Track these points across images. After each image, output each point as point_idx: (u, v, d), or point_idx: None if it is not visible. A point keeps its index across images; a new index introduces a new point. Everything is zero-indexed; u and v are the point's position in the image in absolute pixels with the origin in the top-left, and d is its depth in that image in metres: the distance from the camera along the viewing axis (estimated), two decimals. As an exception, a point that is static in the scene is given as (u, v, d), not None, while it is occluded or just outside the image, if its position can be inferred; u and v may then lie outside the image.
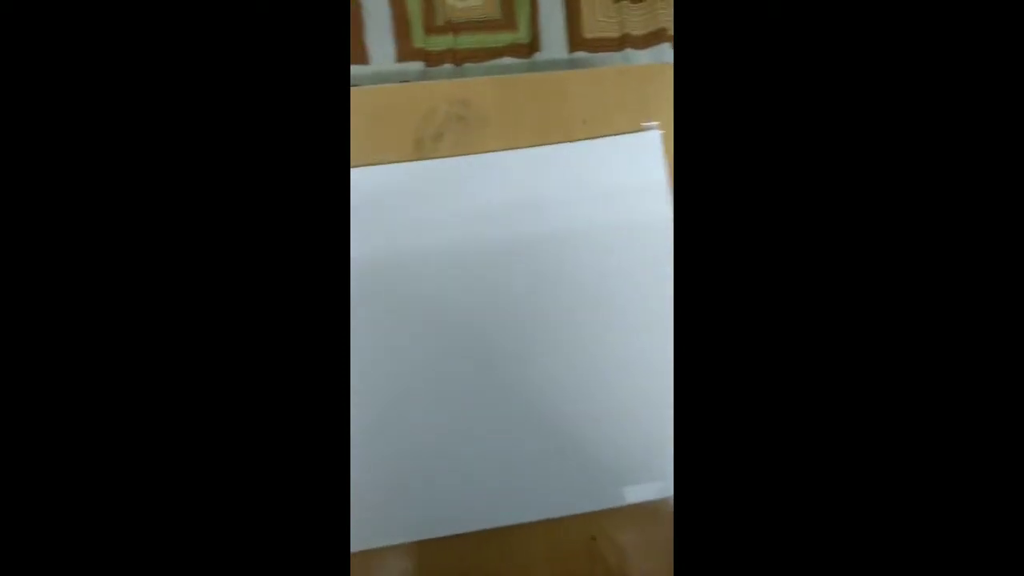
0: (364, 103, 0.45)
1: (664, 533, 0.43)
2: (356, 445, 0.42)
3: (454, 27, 0.51)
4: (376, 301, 0.43)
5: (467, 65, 0.51)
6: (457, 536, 0.42)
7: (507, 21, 0.51)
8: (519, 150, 0.44)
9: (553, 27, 0.51)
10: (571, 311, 0.43)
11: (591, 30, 0.52)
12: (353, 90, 0.47)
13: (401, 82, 0.50)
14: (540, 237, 0.44)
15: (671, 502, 0.43)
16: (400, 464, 0.42)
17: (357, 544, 0.41)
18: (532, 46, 0.51)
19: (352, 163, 0.45)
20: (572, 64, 0.52)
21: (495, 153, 0.45)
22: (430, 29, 0.51)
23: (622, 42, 0.52)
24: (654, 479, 0.43)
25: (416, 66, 0.51)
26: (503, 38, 0.51)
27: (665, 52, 0.52)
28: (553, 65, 0.51)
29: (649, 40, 0.52)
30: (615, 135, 0.44)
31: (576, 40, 0.52)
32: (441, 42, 0.51)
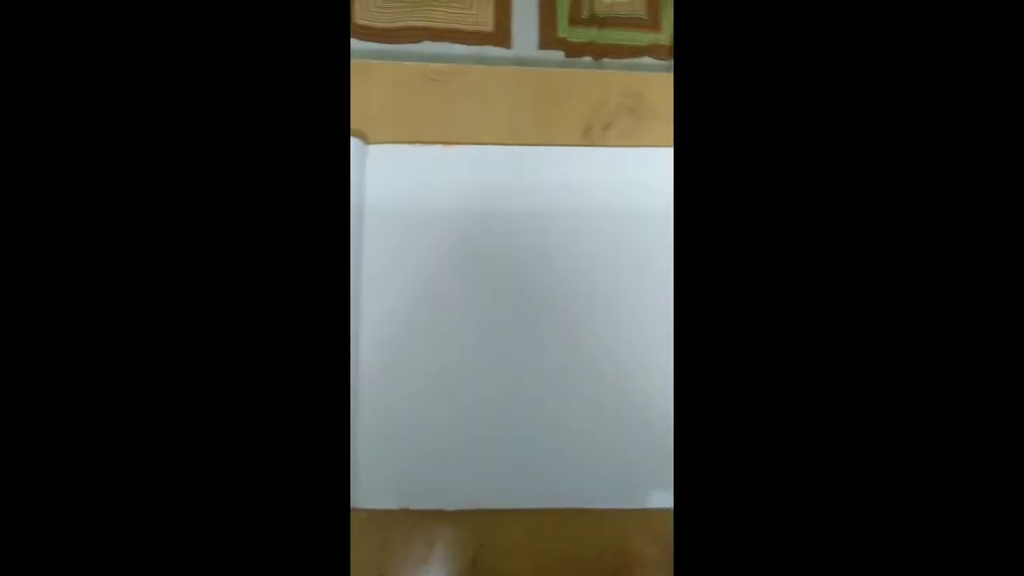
0: (539, 83, 0.47)
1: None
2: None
3: (599, 21, 0.53)
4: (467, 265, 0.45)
5: (605, 60, 0.54)
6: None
7: (652, 21, 0.53)
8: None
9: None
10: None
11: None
12: (529, 71, 0.49)
13: (539, 67, 0.52)
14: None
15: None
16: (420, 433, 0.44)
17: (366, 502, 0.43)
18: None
19: (517, 140, 0.47)
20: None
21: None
22: (575, 20, 0.53)
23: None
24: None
25: (556, 55, 0.53)
26: (646, 37, 0.53)
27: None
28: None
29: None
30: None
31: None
32: (584, 35, 0.53)
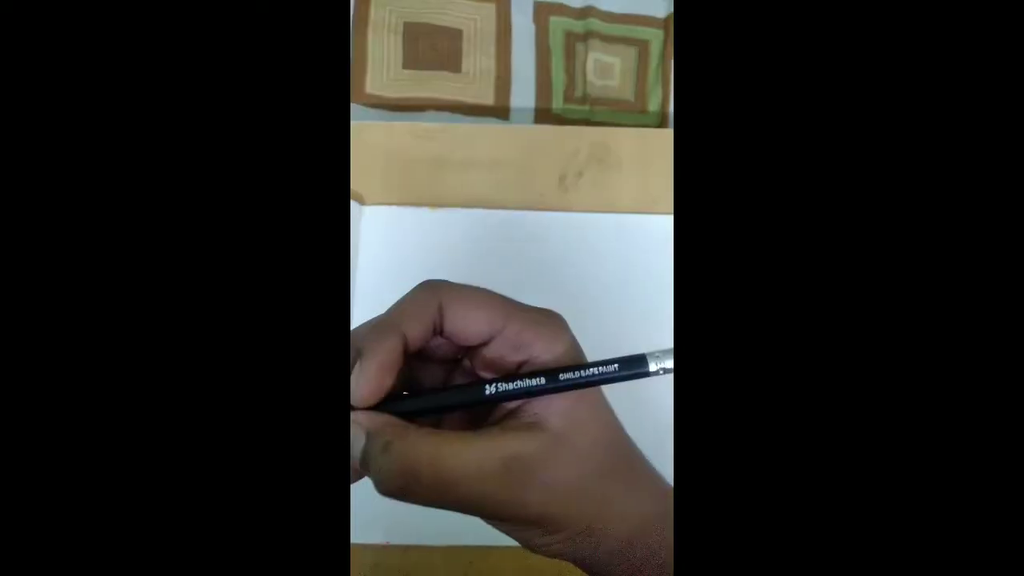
0: (518, 137, 0.52)
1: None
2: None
3: (591, 100, 0.57)
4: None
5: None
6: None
7: (639, 103, 0.57)
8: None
9: (679, 115, 0.58)
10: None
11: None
12: (513, 127, 0.53)
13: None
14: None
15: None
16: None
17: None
18: (660, 128, 0.57)
19: (499, 198, 0.50)
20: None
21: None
22: (569, 98, 0.57)
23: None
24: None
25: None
26: (632, 117, 0.57)
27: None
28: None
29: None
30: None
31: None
32: (576, 111, 0.57)
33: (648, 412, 0.44)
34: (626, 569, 0.22)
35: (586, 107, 0.57)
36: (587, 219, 0.49)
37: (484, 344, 0.23)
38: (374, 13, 0.57)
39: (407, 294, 0.23)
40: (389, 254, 0.49)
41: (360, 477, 0.23)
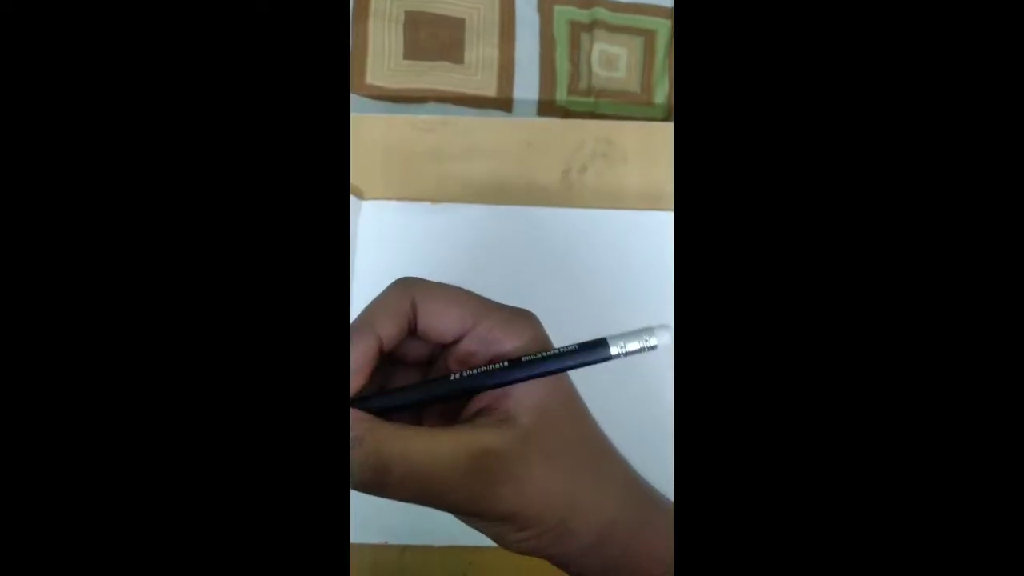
0: (521, 131, 0.50)
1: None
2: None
3: (596, 92, 0.56)
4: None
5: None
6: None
7: (645, 95, 0.56)
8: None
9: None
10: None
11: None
12: (516, 120, 0.52)
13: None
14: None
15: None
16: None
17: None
18: (666, 121, 0.56)
19: (501, 193, 0.49)
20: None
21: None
22: (573, 90, 0.56)
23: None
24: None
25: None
26: (638, 110, 0.56)
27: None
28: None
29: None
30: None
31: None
32: (581, 104, 0.56)
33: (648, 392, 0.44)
34: (599, 565, 0.23)
35: (591, 99, 0.56)
36: (591, 215, 0.48)
37: (456, 342, 0.23)
38: (375, 2, 0.56)
39: (381, 293, 0.23)
40: (388, 250, 0.48)
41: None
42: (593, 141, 0.50)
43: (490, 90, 0.56)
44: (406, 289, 0.23)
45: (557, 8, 0.56)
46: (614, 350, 0.23)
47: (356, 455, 0.21)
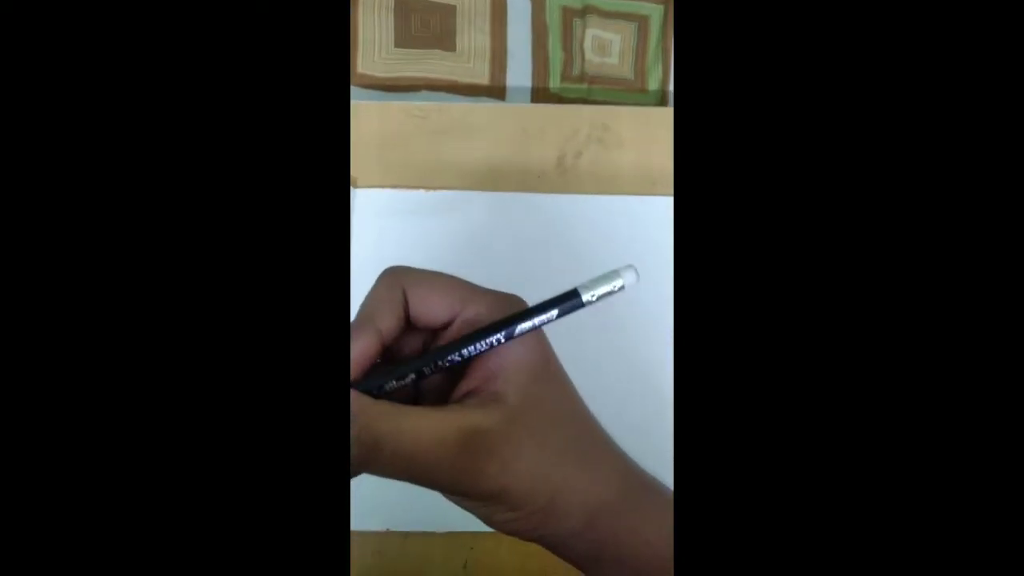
0: (516, 117, 0.50)
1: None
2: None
3: (589, 78, 0.56)
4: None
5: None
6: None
7: (639, 81, 0.56)
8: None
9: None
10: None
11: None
12: (510, 106, 0.52)
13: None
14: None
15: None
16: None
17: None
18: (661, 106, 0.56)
19: (495, 179, 0.49)
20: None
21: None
22: (566, 77, 0.56)
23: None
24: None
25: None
26: (632, 96, 0.56)
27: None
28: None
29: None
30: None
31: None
32: (574, 91, 0.56)
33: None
34: (589, 548, 0.23)
35: (584, 86, 0.55)
36: (586, 201, 0.48)
37: (445, 327, 0.23)
38: (365, -11, 0.55)
39: (373, 288, 0.24)
40: (383, 238, 0.48)
41: None
42: (589, 126, 0.50)
43: (483, 78, 0.56)
44: (396, 279, 0.23)
45: (549, -6, 0.56)
46: (585, 297, 0.23)
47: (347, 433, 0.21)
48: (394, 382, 0.23)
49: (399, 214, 0.48)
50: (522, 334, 0.23)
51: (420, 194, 0.48)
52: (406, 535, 0.45)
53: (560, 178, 0.49)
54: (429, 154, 0.50)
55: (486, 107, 0.52)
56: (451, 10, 0.56)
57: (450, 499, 0.23)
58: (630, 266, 0.24)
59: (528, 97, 0.56)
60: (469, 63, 0.56)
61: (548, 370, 0.23)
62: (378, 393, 0.23)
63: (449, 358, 0.23)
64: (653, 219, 0.48)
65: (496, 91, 0.56)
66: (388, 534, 0.45)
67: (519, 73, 0.56)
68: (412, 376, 0.23)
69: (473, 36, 0.56)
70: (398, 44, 0.56)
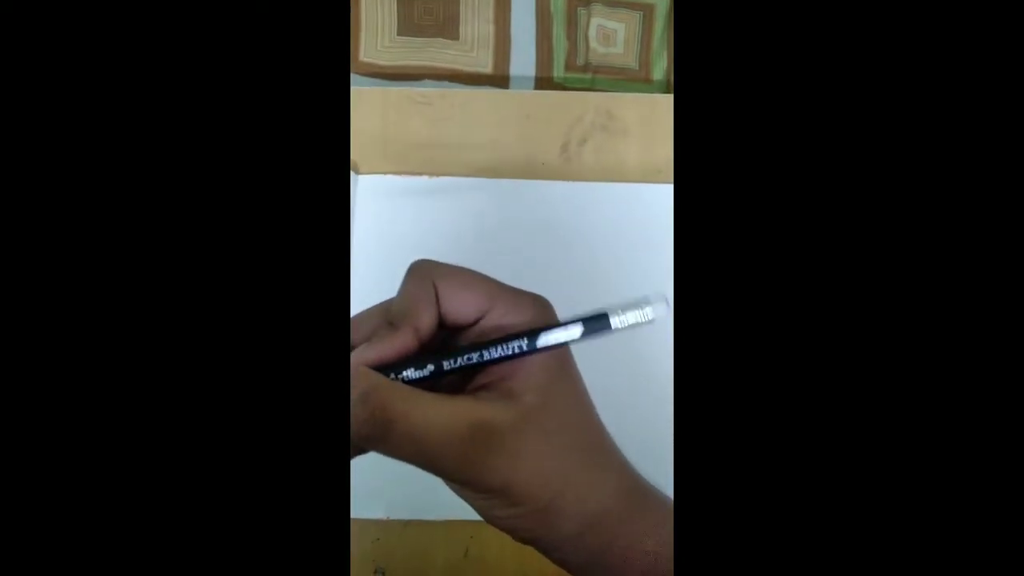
0: (520, 103, 0.50)
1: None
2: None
3: (593, 68, 0.55)
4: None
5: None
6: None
7: (643, 71, 0.56)
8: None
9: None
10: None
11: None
12: (514, 92, 0.52)
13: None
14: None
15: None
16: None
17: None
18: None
19: (499, 166, 0.49)
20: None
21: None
22: (570, 67, 0.56)
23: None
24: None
25: (551, 98, 0.55)
26: (636, 86, 0.55)
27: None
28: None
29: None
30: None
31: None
32: (578, 80, 0.55)
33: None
34: (581, 555, 0.22)
35: (588, 76, 0.55)
36: (590, 188, 0.48)
37: (472, 324, 0.23)
38: (368, -23, 0.55)
39: (405, 284, 0.23)
40: (386, 224, 0.47)
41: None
42: (593, 113, 0.49)
43: (486, 67, 0.55)
44: (427, 275, 0.23)
45: (553, -17, 0.56)
46: (615, 323, 0.23)
47: (361, 410, 0.21)
48: (412, 371, 0.23)
49: (402, 200, 0.48)
50: (544, 349, 0.23)
51: (423, 180, 0.48)
52: (406, 523, 0.44)
53: (564, 165, 0.49)
54: (432, 140, 0.49)
55: (490, 93, 0.52)
56: (455, -2, 0.56)
57: (452, 488, 0.23)
58: (663, 297, 0.24)
59: (531, 86, 0.55)
60: (472, 52, 0.55)
61: (565, 373, 0.23)
62: (395, 378, 0.23)
63: (470, 358, 0.23)
64: (657, 207, 0.48)
65: (499, 80, 0.55)
66: (388, 522, 0.44)
67: (522, 62, 0.56)
68: (431, 368, 0.23)
69: (477, 24, 0.55)
70: (401, 32, 0.55)
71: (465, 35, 0.55)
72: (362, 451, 0.22)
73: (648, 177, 0.48)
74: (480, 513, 0.23)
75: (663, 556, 0.22)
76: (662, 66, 0.56)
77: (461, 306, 0.23)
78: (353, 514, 0.44)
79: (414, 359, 0.23)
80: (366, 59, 0.55)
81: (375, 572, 0.44)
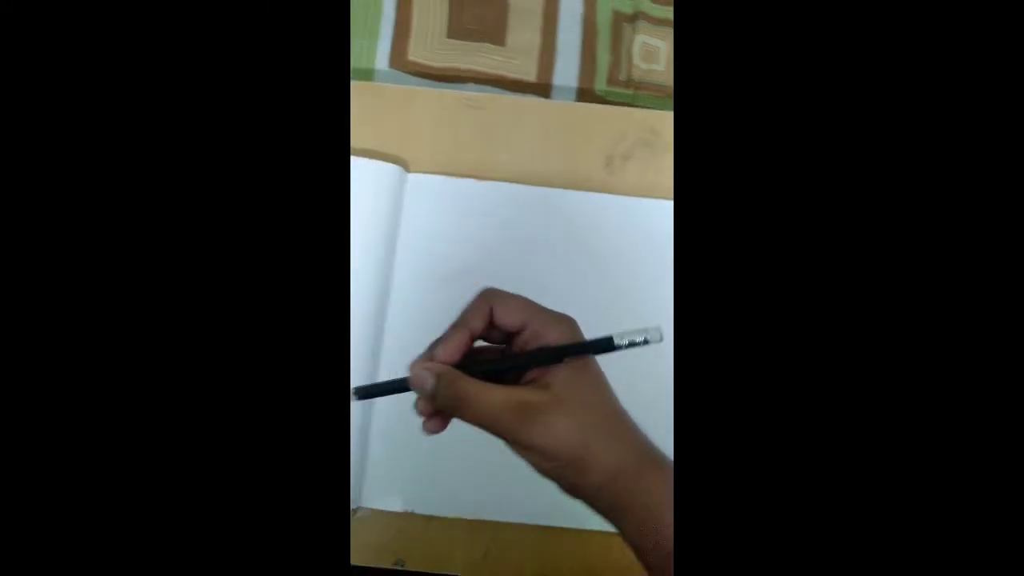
0: (566, 115, 0.52)
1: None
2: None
3: (635, 84, 0.56)
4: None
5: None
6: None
7: (683, 90, 0.57)
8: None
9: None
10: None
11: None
12: (559, 104, 0.53)
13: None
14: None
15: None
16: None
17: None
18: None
19: (544, 167, 0.49)
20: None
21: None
22: (612, 81, 0.57)
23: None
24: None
25: (591, 109, 0.56)
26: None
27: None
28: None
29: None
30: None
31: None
32: (619, 95, 0.56)
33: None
34: (608, 502, 0.30)
35: (630, 91, 0.56)
36: (632, 203, 0.49)
37: (517, 333, 0.32)
38: (421, -21, 0.56)
39: (471, 300, 0.33)
40: (432, 223, 0.48)
41: (430, 413, 0.32)
42: (637, 129, 0.51)
43: (530, 75, 0.56)
44: (486, 296, 0.32)
45: (601, -3, 0.57)
46: (617, 342, 0.31)
47: (441, 389, 0.31)
48: (482, 369, 0.32)
49: (449, 201, 0.49)
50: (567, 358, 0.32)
51: (470, 183, 0.49)
52: (430, 519, 0.45)
53: (608, 179, 0.50)
54: (481, 144, 0.50)
55: (538, 103, 0.53)
56: (504, 5, 0.57)
57: (511, 449, 0.31)
58: (657, 327, 0.31)
59: (573, 97, 0.56)
60: (517, 59, 0.56)
61: (586, 369, 0.32)
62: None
63: (517, 365, 0.32)
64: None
65: (542, 89, 0.56)
66: (412, 516, 0.45)
67: (566, 73, 0.57)
68: (493, 368, 0.33)
69: (523, 33, 0.56)
70: (450, 35, 0.56)
71: (512, 42, 0.56)
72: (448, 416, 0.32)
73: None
74: (531, 466, 0.31)
75: (667, 505, 0.29)
76: (702, 86, 0.57)
77: (507, 319, 0.32)
78: (374, 506, 0.45)
79: (485, 363, 0.32)
80: (415, 59, 0.56)
81: (396, 563, 0.45)
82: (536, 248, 0.49)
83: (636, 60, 0.57)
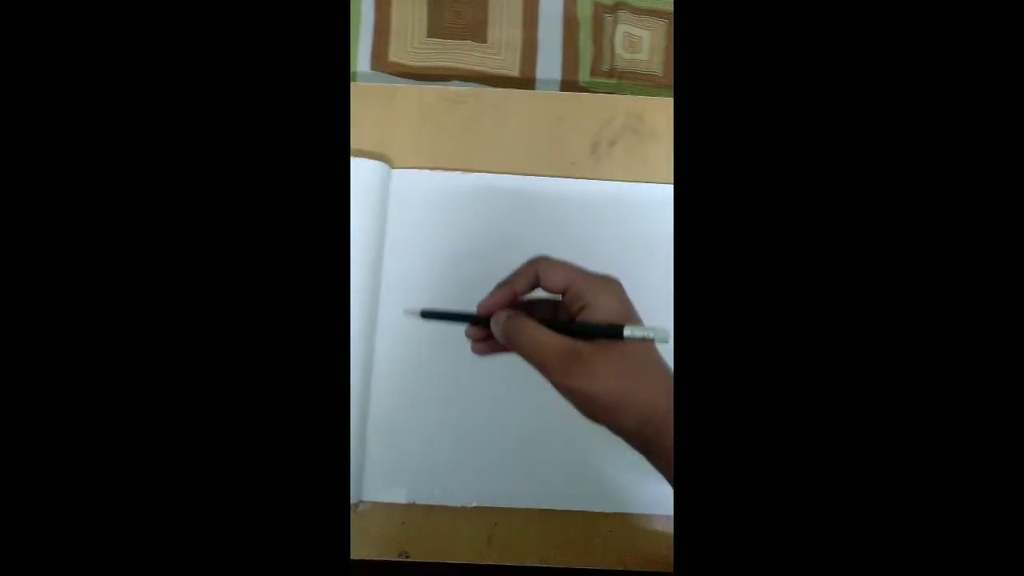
0: (551, 104, 0.51)
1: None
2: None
3: (618, 74, 0.56)
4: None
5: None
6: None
7: (668, 79, 0.56)
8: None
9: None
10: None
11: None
12: (543, 93, 0.52)
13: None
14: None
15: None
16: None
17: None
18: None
19: (531, 156, 0.49)
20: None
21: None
22: (595, 72, 0.56)
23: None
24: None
25: (575, 102, 0.56)
26: (662, 93, 0.56)
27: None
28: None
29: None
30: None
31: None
32: (602, 85, 0.56)
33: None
34: (645, 440, 0.33)
35: (613, 81, 0.56)
36: (619, 188, 0.49)
37: (563, 293, 0.36)
38: (400, -21, 0.56)
39: (521, 266, 0.36)
40: (419, 217, 0.48)
41: (481, 337, 0.37)
42: (624, 116, 0.50)
43: (513, 70, 0.56)
44: (534, 262, 0.36)
45: (580, -10, 0.57)
46: (627, 333, 0.34)
47: (503, 325, 0.35)
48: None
49: (436, 194, 0.48)
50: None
51: (456, 175, 0.48)
52: (431, 508, 0.44)
53: (594, 165, 0.50)
54: (465, 138, 0.50)
55: (523, 94, 0.53)
56: (484, 2, 0.56)
57: (555, 388, 0.34)
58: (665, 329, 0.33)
59: (557, 90, 0.56)
60: (499, 55, 0.56)
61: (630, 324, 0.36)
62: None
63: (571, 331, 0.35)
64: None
65: (525, 83, 0.56)
66: (414, 507, 0.44)
67: (549, 66, 0.56)
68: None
69: (504, 29, 0.56)
70: (430, 34, 0.56)
71: (493, 38, 0.56)
72: (505, 350, 0.36)
73: (676, 179, 0.49)
74: (575, 406, 0.34)
75: None
76: (687, 73, 0.56)
77: (551, 281, 0.35)
78: (377, 499, 0.44)
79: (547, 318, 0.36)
80: (396, 59, 0.55)
81: (400, 555, 0.44)
82: (524, 236, 0.48)
83: (619, 50, 0.56)
